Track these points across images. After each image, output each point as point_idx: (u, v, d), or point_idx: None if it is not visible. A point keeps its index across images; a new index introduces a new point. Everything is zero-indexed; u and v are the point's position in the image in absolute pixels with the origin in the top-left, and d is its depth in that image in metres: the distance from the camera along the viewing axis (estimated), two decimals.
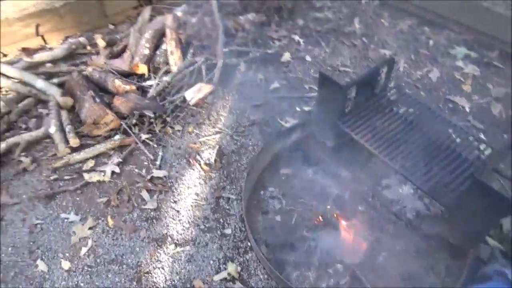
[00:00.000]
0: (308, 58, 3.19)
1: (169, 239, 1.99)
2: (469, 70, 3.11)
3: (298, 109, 2.76)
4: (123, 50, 3.04)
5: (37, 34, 3.07)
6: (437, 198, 1.81)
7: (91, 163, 2.33)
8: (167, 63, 2.90)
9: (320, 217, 2.13)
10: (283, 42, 3.33)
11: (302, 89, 2.93)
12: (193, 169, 2.34)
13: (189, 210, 2.13)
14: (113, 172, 2.28)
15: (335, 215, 2.13)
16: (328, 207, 2.18)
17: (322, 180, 2.34)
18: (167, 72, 2.86)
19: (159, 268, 1.87)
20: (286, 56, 3.14)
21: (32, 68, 2.82)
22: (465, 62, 3.20)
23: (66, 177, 2.25)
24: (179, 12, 3.05)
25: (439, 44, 3.38)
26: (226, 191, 2.24)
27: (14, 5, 2.96)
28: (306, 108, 2.76)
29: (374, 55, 3.23)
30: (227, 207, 2.16)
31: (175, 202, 2.17)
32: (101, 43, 2.98)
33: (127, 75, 2.86)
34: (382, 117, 2.15)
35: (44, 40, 3.14)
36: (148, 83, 2.80)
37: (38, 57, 2.87)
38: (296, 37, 3.36)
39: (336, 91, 2.03)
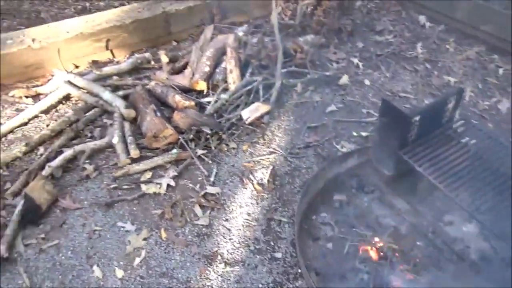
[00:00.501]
0: (367, 82, 3.12)
1: (219, 257, 1.99)
2: None
3: (354, 133, 2.69)
4: (184, 67, 3.14)
5: (107, 48, 3.26)
6: (507, 241, 1.68)
7: (148, 175, 2.40)
8: (225, 81, 2.96)
9: (375, 249, 2.04)
10: (342, 64, 3.30)
11: (360, 113, 2.86)
12: (246, 188, 2.34)
13: (240, 229, 2.12)
14: (168, 185, 2.33)
15: (391, 249, 2.03)
16: (384, 239, 2.08)
17: (378, 209, 2.26)
18: (225, 89, 2.91)
19: (208, 287, 1.87)
20: (344, 79, 3.09)
21: (100, 80, 3.00)
22: None
23: (124, 187, 2.33)
24: (240, 32, 3.12)
25: (509, 73, 3.18)
26: (278, 213, 2.21)
27: (89, 21, 3.18)
28: (363, 133, 2.69)
29: (437, 82, 3.10)
30: (278, 230, 2.13)
31: (226, 220, 2.17)
32: (164, 59, 3.11)
33: (186, 91, 2.95)
34: (448, 149, 2.04)
35: (113, 54, 3.33)
36: (206, 99, 2.87)
37: (106, 70, 3.05)
38: (355, 60, 3.32)
39: (399, 119, 1.96)
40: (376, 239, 2.09)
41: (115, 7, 4.28)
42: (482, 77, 3.16)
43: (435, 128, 2.10)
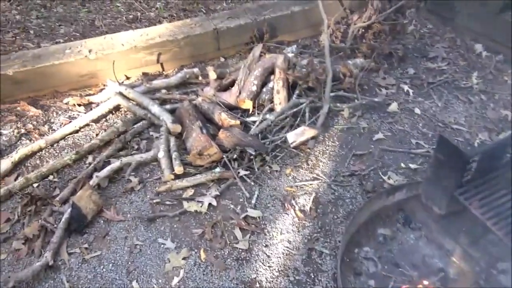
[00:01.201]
0: (417, 110, 3.01)
1: (258, 285, 1.95)
2: None
3: (403, 165, 2.59)
4: (231, 84, 3.16)
5: (158, 61, 3.34)
6: None
7: (190, 192, 2.41)
8: (271, 101, 2.95)
9: None
10: (391, 90, 3.21)
11: (409, 143, 2.76)
12: (287, 214, 2.30)
13: (279, 257, 2.08)
14: (210, 204, 2.33)
15: None
16: (431, 282, 1.97)
17: (425, 248, 2.15)
18: (270, 110, 2.90)
19: None
20: (394, 106, 3.00)
21: (149, 92, 3.07)
22: None
23: (167, 202, 2.35)
24: (289, 53, 3.11)
25: None
26: (319, 243, 2.15)
27: (143, 34, 3.28)
28: (412, 166, 2.58)
29: (493, 116, 2.94)
30: (319, 262, 2.06)
31: (266, 246, 2.13)
32: (212, 75, 3.14)
33: (232, 109, 2.96)
34: (508, 193, 1.92)
35: (162, 67, 3.40)
36: (251, 118, 2.86)
37: (156, 83, 3.12)
38: (406, 87, 3.22)
39: (457, 158, 1.87)
40: (423, 281, 1.98)
41: (164, 17, 4.44)
42: None
43: (495, 170, 1.98)
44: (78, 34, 4.10)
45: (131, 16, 4.49)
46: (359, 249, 2.16)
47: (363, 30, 3.51)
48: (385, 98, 3.10)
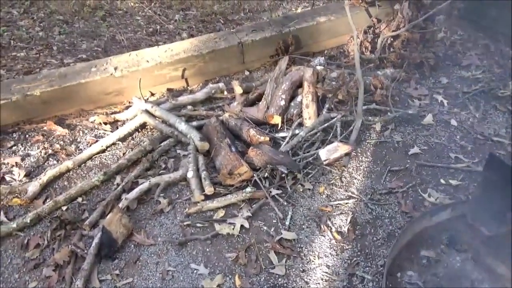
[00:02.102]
0: (453, 122, 2.88)
1: None
2: None
3: (442, 181, 2.46)
4: (258, 98, 3.09)
5: (182, 77, 3.29)
6: None
7: (221, 213, 2.33)
8: (300, 116, 2.86)
9: None
10: (424, 101, 3.08)
11: (447, 158, 2.62)
12: (324, 236, 2.19)
13: (318, 283, 1.97)
14: (242, 226, 2.24)
15: None
16: None
17: (473, 272, 2.00)
18: (300, 124, 2.81)
19: None
20: (428, 119, 2.87)
21: (175, 109, 3.02)
22: None
23: (198, 225, 2.27)
24: (318, 66, 3.02)
25: None
26: (360, 268, 2.03)
27: (167, 50, 3.24)
28: (452, 182, 2.44)
29: None
30: None
31: (304, 271, 2.03)
32: (238, 90, 3.08)
33: (260, 124, 2.88)
34: None
35: (187, 83, 3.36)
36: (280, 134, 2.78)
37: (181, 99, 3.07)
38: (439, 97, 3.08)
39: (510, 178, 1.74)
40: None
41: (183, 29, 4.43)
42: None
43: None
44: (100, 49, 4.11)
45: (150, 29, 4.50)
46: (402, 273, 2.04)
47: (391, 39, 3.40)
48: (418, 110, 2.98)
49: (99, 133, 2.94)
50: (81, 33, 4.38)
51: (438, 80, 3.29)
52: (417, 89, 3.18)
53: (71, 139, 2.88)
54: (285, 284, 1.97)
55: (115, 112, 3.10)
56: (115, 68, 3.06)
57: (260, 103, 2.97)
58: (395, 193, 2.40)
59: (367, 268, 2.03)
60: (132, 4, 5.04)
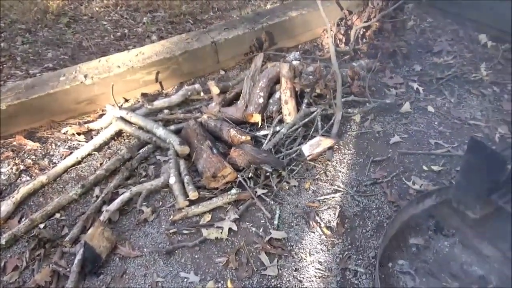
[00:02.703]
0: (430, 108, 2.91)
1: None
2: None
3: (425, 168, 2.48)
4: (235, 98, 3.04)
5: (156, 80, 3.20)
6: None
7: (207, 217, 2.27)
8: (280, 113, 2.83)
9: None
10: (400, 90, 3.10)
11: (427, 144, 2.65)
12: (314, 232, 2.17)
13: (312, 281, 1.95)
14: (230, 230, 2.19)
15: None
16: None
17: (462, 255, 2.03)
18: (280, 121, 2.78)
19: None
20: (406, 107, 2.89)
21: (151, 114, 2.93)
22: None
23: (184, 231, 2.20)
24: (294, 61, 2.99)
25: None
26: (352, 261, 2.02)
27: (139, 54, 3.14)
28: (435, 168, 2.47)
29: (509, 107, 2.85)
30: (355, 282, 1.94)
31: (296, 269, 2.00)
32: (215, 90, 3.01)
33: (240, 123, 2.83)
34: None
35: (162, 86, 3.27)
36: (262, 132, 2.74)
37: (157, 104, 2.98)
38: (415, 85, 3.11)
39: (492, 160, 1.76)
40: None
41: (152, 32, 4.31)
42: None
43: None
44: (66, 57, 3.96)
45: (118, 34, 4.36)
46: (393, 263, 2.04)
47: (364, 30, 3.41)
48: (396, 99, 3.00)
49: (73, 145, 2.82)
50: (46, 41, 4.20)
51: (411, 67, 3.33)
52: (392, 78, 3.21)
53: (43, 153, 2.75)
54: (278, 285, 1.93)
55: (88, 122, 2.99)
56: (85, 76, 2.94)
57: (239, 102, 2.92)
58: (380, 183, 2.41)
59: (359, 261, 2.02)
60: (97, 9, 4.87)
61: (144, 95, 3.18)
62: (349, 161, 2.57)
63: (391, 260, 2.05)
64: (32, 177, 2.56)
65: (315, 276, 1.96)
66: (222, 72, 3.46)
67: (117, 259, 2.10)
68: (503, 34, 3.41)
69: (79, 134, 2.87)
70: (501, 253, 1.98)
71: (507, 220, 1.83)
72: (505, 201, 1.79)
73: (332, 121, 2.69)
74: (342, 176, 2.48)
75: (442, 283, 1.94)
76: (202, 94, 3.15)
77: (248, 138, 2.60)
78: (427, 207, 2.20)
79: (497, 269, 1.95)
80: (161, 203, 2.39)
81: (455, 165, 2.47)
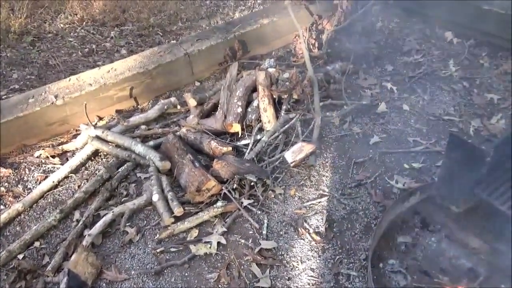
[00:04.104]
0: (405, 107, 2.97)
1: None
2: None
3: (406, 166, 2.52)
4: (213, 108, 3.01)
5: (131, 96, 3.14)
6: None
7: (194, 233, 2.23)
8: (259, 121, 2.82)
9: None
10: (375, 90, 3.16)
11: (406, 142, 2.70)
12: (303, 239, 2.16)
13: None
14: (219, 243, 2.15)
15: None
16: (464, 284, 1.89)
17: (449, 250, 2.07)
18: (260, 129, 2.77)
19: None
20: (382, 107, 2.94)
21: (128, 131, 2.86)
22: None
23: (172, 249, 2.15)
24: (270, 68, 2.99)
25: None
26: (344, 265, 2.02)
27: (111, 71, 3.07)
28: (415, 165, 2.52)
29: (479, 101, 2.94)
30: (349, 286, 1.94)
31: (289, 279, 1.98)
32: (192, 102, 2.98)
33: (219, 134, 2.81)
34: None
35: (136, 101, 3.20)
36: (242, 142, 2.72)
37: (133, 120, 2.92)
38: (388, 85, 3.17)
39: (472, 155, 1.81)
40: (456, 285, 1.90)
41: (121, 46, 4.24)
42: None
43: (509, 159, 1.94)
44: (33, 77, 3.82)
45: (86, 50, 4.26)
46: (384, 263, 2.06)
47: (335, 34, 3.46)
48: (371, 99, 3.04)
49: (48, 168, 2.72)
50: (10, 62, 4.05)
51: (384, 68, 3.40)
52: (366, 79, 3.26)
53: (16, 179, 2.64)
54: None
55: (62, 143, 2.89)
56: (56, 96, 2.84)
57: (217, 113, 2.90)
58: (364, 184, 2.43)
59: (351, 265, 2.03)
60: (62, 25, 4.74)
61: (119, 111, 3.10)
62: (332, 165, 2.59)
63: (381, 260, 2.07)
64: (7, 206, 2.45)
65: (309, 284, 1.95)
66: (198, 84, 3.43)
67: (104, 284, 2.02)
68: (467, 29, 3.54)
69: (53, 156, 2.77)
70: (487, 244, 2.03)
71: (489, 211, 1.88)
72: (487, 194, 1.84)
73: (312, 126, 2.70)
74: (326, 180, 2.49)
75: (433, 279, 1.97)
76: (179, 107, 3.10)
77: (230, 148, 2.57)
78: (412, 204, 2.24)
79: (484, 260, 2.00)
80: (145, 222, 2.33)
81: (434, 161, 2.52)
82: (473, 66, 3.30)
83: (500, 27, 3.33)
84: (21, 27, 4.60)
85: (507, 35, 3.30)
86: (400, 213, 2.23)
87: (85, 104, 2.80)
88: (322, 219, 2.25)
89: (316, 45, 3.29)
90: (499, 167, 1.89)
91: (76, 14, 4.83)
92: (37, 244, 2.22)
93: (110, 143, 2.73)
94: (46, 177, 2.60)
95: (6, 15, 4.62)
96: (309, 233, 2.19)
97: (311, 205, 2.34)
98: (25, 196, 2.47)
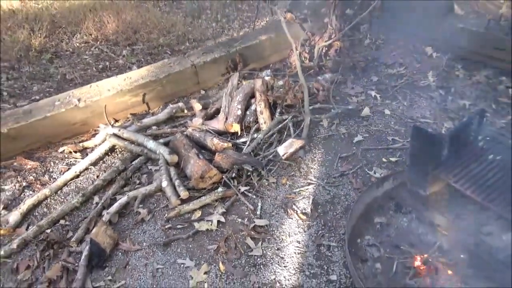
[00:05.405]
0: (387, 111, 3.35)
1: (278, 284, 2.12)
2: None
3: (384, 160, 2.87)
4: (216, 112, 3.39)
5: (143, 101, 3.54)
6: None
7: (198, 213, 2.57)
8: (256, 122, 3.20)
9: (422, 265, 2.15)
10: (361, 98, 3.54)
11: (386, 141, 3.06)
12: (292, 218, 2.50)
13: (292, 257, 2.26)
14: (219, 222, 2.49)
15: (437, 263, 2.14)
16: (429, 254, 2.20)
17: (418, 228, 2.39)
18: (257, 130, 3.14)
19: None
20: (366, 111, 3.32)
21: (141, 131, 3.25)
22: None
23: (178, 226, 2.49)
24: (266, 77, 3.39)
25: None
26: (326, 238, 2.35)
27: (126, 79, 3.48)
28: (392, 159, 2.87)
29: (453, 106, 3.31)
30: (329, 254, 2.26)
31: (278, 249, 2.31)
32: (197, 107, 3.37)
33: (221, 134, 3.18)
34: (479, 165, 2.22)
35: (148, 106, 3.60)
36: (241, 140, 3.09)
37: (146, 121, 3.31)
38: (373, 93, 3.56)
39: (432, 142, 2.15)
40: (422, 255, 2.21)
41: (132, 63, 4.63)
42: (494, 98, 3.37)
43: (464, 147, 2.29)
44: (52, 89, 4.18)
45: (100, 66, 4.63)
46: (361, 239, 2.38)
47: (326, 48, 3.88)
48: (357, 105, 3.42)
49: (70, 161, 3.09)
50: (30, 76, 4.38)
51: (370, 78, 3.80)
52: (353, 88, 3.65)
53: (43, 170, 3.01)
54: (264, 262, 2.24)
55: (82, 141, 3.27)
56: (79, 100, 3.25)
57: (219, 115, 3.28)
58: (346, 174, 2.78)
59: (331, 238, 2.36)
60: (77, 44, 5.14)
61: (133, 115, 3.50)
62: (319, 159, 2.94)
63: (359, 236, 2.39)
64: (35, 192, 2.81)
65: (295, 253, 2.28)
66: (203, 92, 3.84)
67: (120, 253, 2.36)
68: (445, 45, 3.94)
69: (75, 152, 3.14)
70: (450, 222, 2.35)
71: (451, 193, 2.21)
72: (445, 175, 2.18)
73: (302, 126, 3.08)
74: (314, 171, 2.84)
75: (402, 250, 2.28)
76: (185, 111, 3.50)
77: (230, 144, 2.94)
78: (387, 190, 2.57)
79: (447, 235, 2.31)
80: (155, 205, 2.67)
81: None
82: (450, 77, 3.69)
83: (473, 43, 3.74)
84: (40, 45, 4.97)
85: (480, 50, 3.70)
86: (376, 198, 2.57)
87: (105, 106, 3.21)
88: (308, 202, 2.59)
89: (308, 57, 3.69)
90: (454, 152, 2.24)
91: (91, 34, 5.23)
92: (62, 221, 2.57)
93: (126, 140, 3.11)
94: (69, 168, 2.97)
95: (27, 35, 5.06)
96: (297, 214, 2.52)
97: (300, 191, 2.68)
98: (51, 184, 2.83)
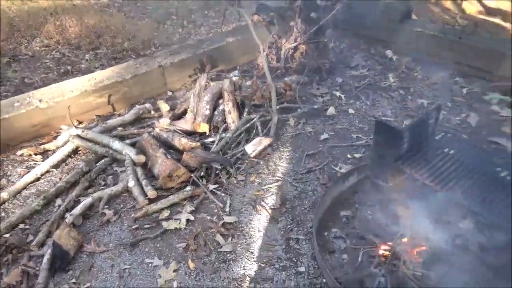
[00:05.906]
0: (351, 110, 3.45)
1: (248, 278, 2.12)
2: (507, 113, 3.29)
3: (349, 156, 2.96)
4: (183, 113, 3.38)
5: (109, 103, 3.47)
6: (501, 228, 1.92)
7: (166, 213, 2.54)
8: (224, 122, 3.21)
9: (386, 253, 2.23)
10: (326, 98, 3.64)
11: (350, 138, 3.15)
12: (260, 214, 2.51)
13: (262, 251, 2.27)
14: (188, 220, 2.47)
15: (401, 251, 2.22)
16: (393, 243, 2.28)
17: (382, 219, 2.47)
18: (225, 129, 3.15)
19: None
20: (331, 110, 3.41)
21: (106, 132, 3.17)
22: (500, 106, 3.40)
23: (146, 226, 2.45)
24: (234, 77, 3.42)
25: (472, 92, 3.61)
26: (294, 232, 2.38)
27: (91, 79, 3.41)
28: (357, 155, 2.96)
29: (412, 105, 3.47)
30: (297, 247, 2.29)
31: (248, 244, 2.32)
32: (165, 107, 3.34)
33: (189, 134, 3.16)
34: (436, 157, 2.33)
35: (114, 108, 3.53)
36: (209, 140, 3.09)
37: (111, 122, 3.24)
38: (338, 93, 3.67)
39: (393, 136, 2.25)
40: (386, 245, 2.29)
41: (96, 67, 4.50)
42: (450, 97, 3.56)
43: (422, 140, 2.40)
44: (9, 93, 4.02)
45: (62, 70, 4.45)
46: (328, 232, 2.44)
47: (292, 51, 3.95)
48: (322, 105, 3.51)
49: (30, 165, 2.97)
50: None
51: (334, 80, 3.91)
52: (319, 89, 3.74)
53: (0, 174, 2.87)
54: (234, 258, 2.24)
55: (43, 143, 3.15)
56: (40, 100, 3.14)
57: (187, 115, 3.27)
58: (313, 171, 2.84)
59: (300, 231, 2.39)
60: (37, 48, 4.96)
61: (98, 116, 3.42)
62: (287, 157, 2.99)
63: (326, 229, 2.45)
64: None
65: (264, 247, 2.29)
66: (170, 93, 3.81)
67: (84, 256, 2.28)
68: (404, 48, 4.13)
69: (35, 154, 3.03)
70: (411, 212, 2.44)
71: (411, 184, 2.31)
72: (405, 166, 2.27)
73: (269, 125, 3.12)
74: (281, 168, 2.88)
75: (367, 241, 2.35)
76: (152, 112, 3.46)
77: (198, 144, 2.93)
78: (352, 184, 2.65)
79: (409, 224, 2.40)
80: (122, 205, 2.62)
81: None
82: (409, 78, 3.86)
83: (430, 46, 3.94)
84: None
85: (436, 52, 3.90)
86: (342, 192, 2.64)
87: (69, 107, 3.11)
88: (277, 198, 2.61)
89: (275, 59, 3.76)
90: (413, 145, 2.34)
91: (52, 38, 5.04)
92: (21, 225, 2.46)
93: (90, 141, 3.03)
94: (29, 172, 2.85)
95: None
96: (266, 209, 2.55)
97: (268, 188, 2.71)
98: (8, 187, 2.71)
